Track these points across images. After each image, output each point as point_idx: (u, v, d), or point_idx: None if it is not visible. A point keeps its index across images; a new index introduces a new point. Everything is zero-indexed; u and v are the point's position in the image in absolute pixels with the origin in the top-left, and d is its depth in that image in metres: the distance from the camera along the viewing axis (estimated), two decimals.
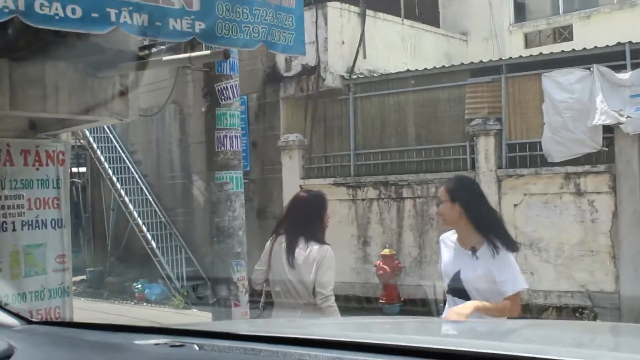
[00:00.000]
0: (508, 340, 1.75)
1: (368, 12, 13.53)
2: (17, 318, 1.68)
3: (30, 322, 1.71)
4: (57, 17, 3.69)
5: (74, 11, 3.67)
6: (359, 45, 13.24)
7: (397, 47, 14.11)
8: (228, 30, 4.44)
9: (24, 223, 6.68)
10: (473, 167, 11.29)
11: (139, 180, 15.29)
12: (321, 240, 4.81)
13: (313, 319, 3.62)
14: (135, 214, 14.64)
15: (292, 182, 12.83)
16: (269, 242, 4.92)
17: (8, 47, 5.87)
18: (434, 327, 2.33)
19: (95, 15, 3.80)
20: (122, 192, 14.96)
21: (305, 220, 4.85)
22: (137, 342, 1.57)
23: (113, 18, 3.85)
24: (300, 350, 1.42)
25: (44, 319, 6.36)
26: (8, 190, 6.57)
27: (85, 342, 1.51)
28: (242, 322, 3.40)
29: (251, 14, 4.57)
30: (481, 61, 11.83)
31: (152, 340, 1.56)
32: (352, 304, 11.03)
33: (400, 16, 14.55)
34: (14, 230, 6.58)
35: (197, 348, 1.49)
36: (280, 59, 13.22)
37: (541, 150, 10.61)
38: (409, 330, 2.03)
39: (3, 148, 6.60)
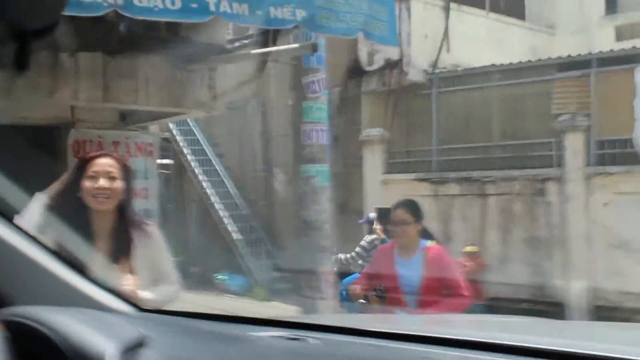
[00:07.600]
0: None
1: (452, 5, 13.30)
2: (130, 305, 1.68)
3: (141, 309, 1.71)
4: (156, 9, 3.72)
5: (173, 2, 3.69)
6: (443, 39, 13.05)
7: (481, 40, 13.81)
8: (327, 18, 4.42)
9: None
10: (559, 164, 10.97)
11: (220, 172, 15.47)
12: None
13: (432, 316, 3.56)
14: (217, 206, 14.83)
15: (373, 177, 12.75)
16: None
17: (103, 42, 6.02)
18: (563, 329, 2.24)
19: (194, 5, 3.82)
20: (205, 185, 15.17)
21: None
22: (251, 333, 1.54)
23: (212, 7, 3.86)
24: (425, 348, 1.36)
25: None
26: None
27: (204, 332, 1.50)
28: (356, 316, 3.35)
29: (347, 3, 4.53)
30: (569, 55, 11.46)
31: (267, 332, 1.53)
32: None
33: (484, 9, 14.26)
34: None
35: (315, 342, 1.44)
36: (363, 53, 13.14)
37: (633, 147, 10.23)
38: (533, 331, 1.95)
39: (95, 139, 6.76)
